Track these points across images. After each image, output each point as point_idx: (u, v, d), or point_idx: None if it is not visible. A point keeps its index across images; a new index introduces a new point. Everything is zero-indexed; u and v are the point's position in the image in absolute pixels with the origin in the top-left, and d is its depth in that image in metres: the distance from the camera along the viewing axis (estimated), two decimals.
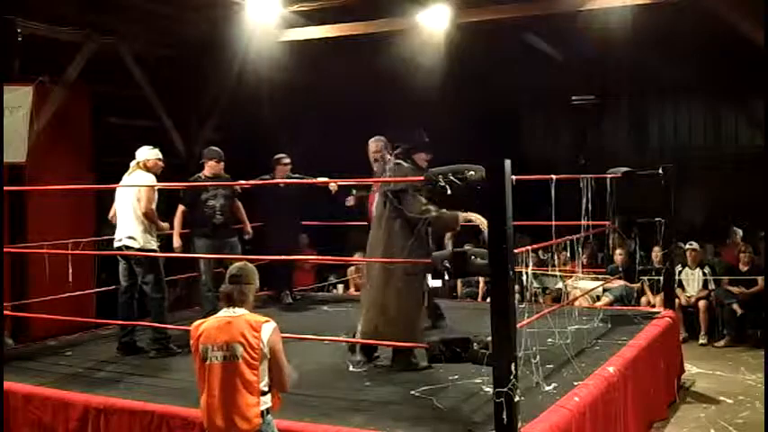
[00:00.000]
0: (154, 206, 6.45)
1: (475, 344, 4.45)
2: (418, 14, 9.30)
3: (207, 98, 10.88)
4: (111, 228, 6.72)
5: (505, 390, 4.02)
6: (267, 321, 3.70)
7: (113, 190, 6.64)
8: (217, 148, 7.53)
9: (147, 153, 6.59)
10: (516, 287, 4.50)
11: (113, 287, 8.69)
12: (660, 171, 7.39)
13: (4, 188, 6.85)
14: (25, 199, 8.62)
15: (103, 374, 5.81)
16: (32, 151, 8.50)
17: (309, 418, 4.53)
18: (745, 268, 9.60)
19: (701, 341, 9.30)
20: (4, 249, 6.61)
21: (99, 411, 5.02)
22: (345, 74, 11.29)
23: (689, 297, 9.54)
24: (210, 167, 7.44)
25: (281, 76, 11.13)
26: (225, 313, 3.73)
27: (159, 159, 6.65)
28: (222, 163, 7.45)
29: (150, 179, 6.47)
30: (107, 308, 9.09)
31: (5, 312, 7.08)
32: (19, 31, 8.38)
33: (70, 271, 7.03)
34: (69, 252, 7.12)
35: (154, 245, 6.50)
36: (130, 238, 6.41)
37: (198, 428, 4.65)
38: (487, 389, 4.73)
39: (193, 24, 9.70)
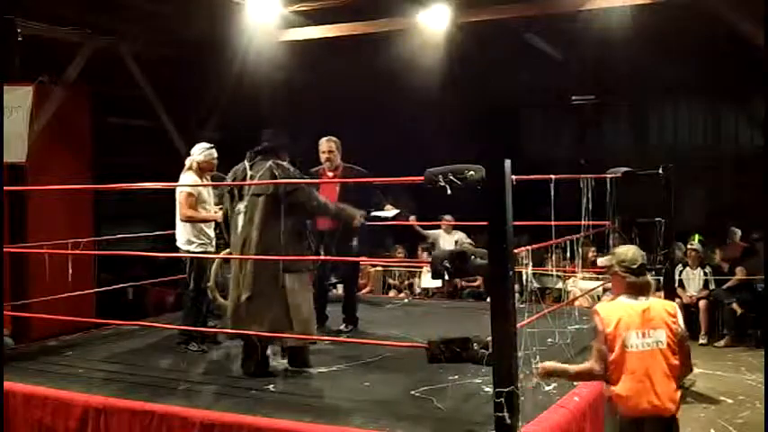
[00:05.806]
0: (191, 212, 6.27)
1: (475, 344, 4.43)
2: (418, 14, 9.30)
3: (207, 98, 10.88)
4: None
5: (505, 390, 4.02)
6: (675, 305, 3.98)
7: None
8: None
9: (198, 154, 6.46)
10: (516, 287, 4.50)
11: (113, 287, 8.77)
12: (660, 171, 7.40)
13: (4, 188, 6.84)
14: (25, 199, 8.61)
15: (103, 374, 5.79)
16: (32, 151, 8.49)
17: (309, 418, 4.52)
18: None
19: (701, 341, 9.31)
20: (4, 249, 6.60)
21: (99, 411, 5.01)
22: (345, 74, 11.28)
23: (690, 297, 9.55)
24: None
25: (282, 76, 11.12)
26: (637, 302, 3.89)
27: (214, 159, 6.53)
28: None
29: (192, 180, 6.35)
30: (107, 308, 9.13)
31: (5, 312, 7.07)
32: (19, 31, 8.37)
33: (70, 271, 7.01)
34: (69, 252, 7.11)
35: (193, 248, 6.38)
36: (177, 239, 6.45)
37: (197, 428, 4.66)
38: (487, 389, 4.72)
39: (193, 24, 9.69)
